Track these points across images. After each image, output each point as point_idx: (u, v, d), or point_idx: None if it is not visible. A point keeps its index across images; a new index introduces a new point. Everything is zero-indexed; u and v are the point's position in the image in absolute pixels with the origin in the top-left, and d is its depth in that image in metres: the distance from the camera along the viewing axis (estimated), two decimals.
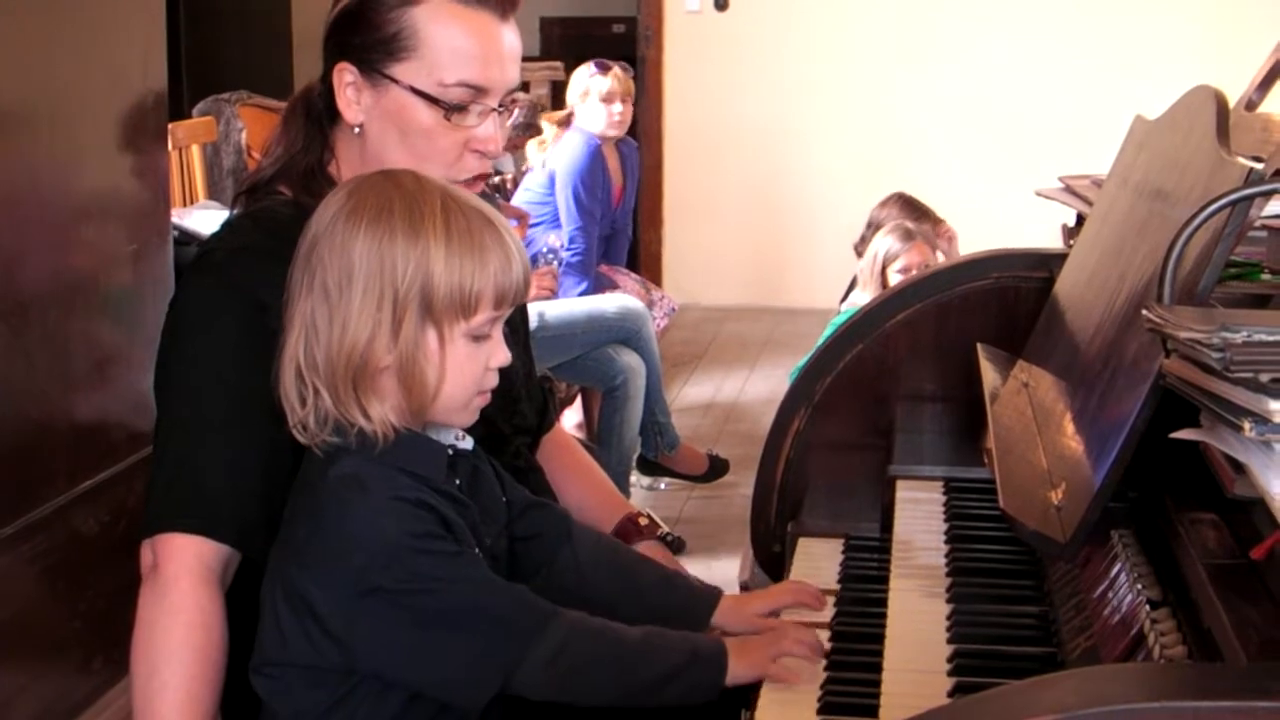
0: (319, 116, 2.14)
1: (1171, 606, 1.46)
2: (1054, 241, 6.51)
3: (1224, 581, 1.25)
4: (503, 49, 2.07)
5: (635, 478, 5.46)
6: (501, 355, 1.84)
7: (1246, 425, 1.08)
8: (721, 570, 4.30)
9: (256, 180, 2.16)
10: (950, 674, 1.74)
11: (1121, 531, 1.63)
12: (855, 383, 2.55)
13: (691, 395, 6.78)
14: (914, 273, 4.85)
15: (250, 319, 1.94)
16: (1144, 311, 1.35)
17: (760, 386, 6.96)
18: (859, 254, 5.42)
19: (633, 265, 6.22)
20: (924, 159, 8.12)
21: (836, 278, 6.07)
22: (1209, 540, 1.35)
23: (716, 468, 5.46)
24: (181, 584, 1.90)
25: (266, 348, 1.87)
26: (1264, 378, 1.07)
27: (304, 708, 1.83)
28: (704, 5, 8.40)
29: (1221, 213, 1.41)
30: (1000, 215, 7.35)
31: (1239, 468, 1.23)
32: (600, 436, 5.17)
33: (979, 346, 2.27)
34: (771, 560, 2.61)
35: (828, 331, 5.03)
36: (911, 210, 5.37)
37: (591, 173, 5.45)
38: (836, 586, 2.17)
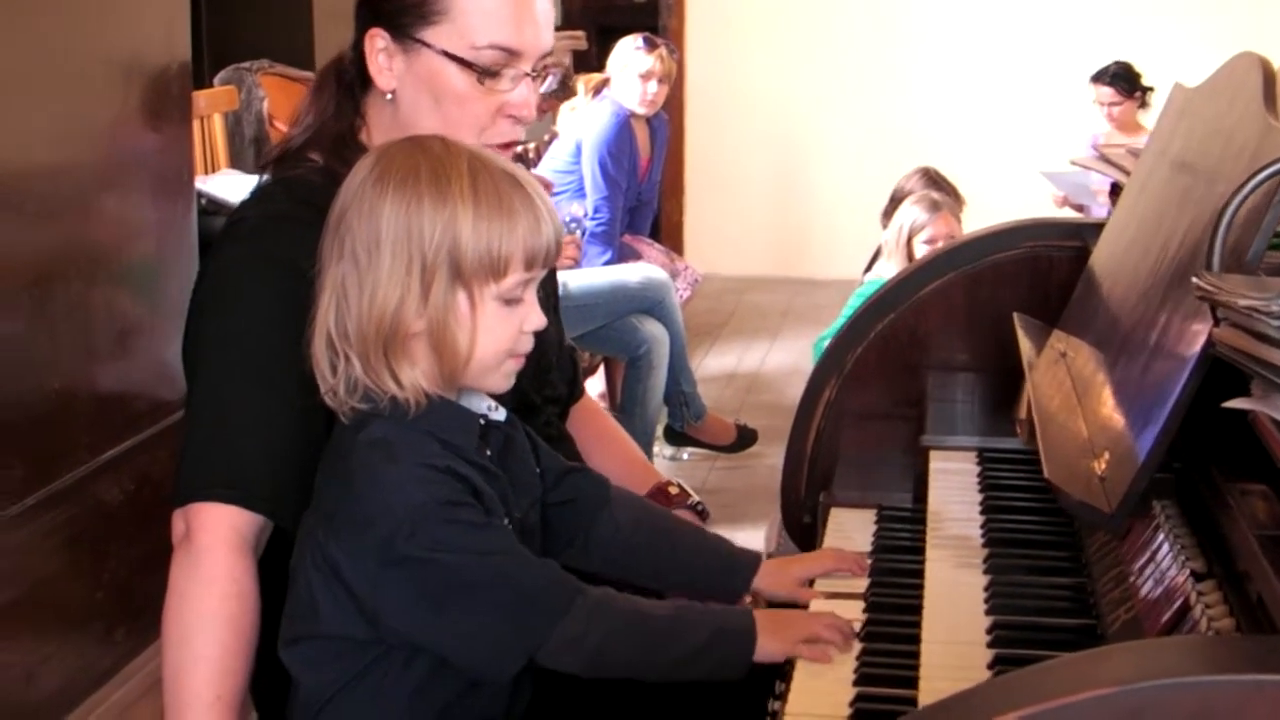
0: (351, 84, 2.12)
1: (1218, 579, 1.44)
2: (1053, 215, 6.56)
3: (1277, 553, 1.23)
4: (535, 11, 2.05)
5: (658, 448, 5.45)
6: (536, 318, 1.83)
7: None
8: (745, 541, 4.21)
9: (287, 147, 2.14)
10: (990, 645, 1.73)
11: (1164, 502, 1.60)
12: (886, 353, 2.53)
13: (714, 365, 6.76)
14: (940, 244, 4.84)
15: (283, 285, 1.92)
16: (1194, 280, 1.33)
17: (782, 357, 6.94)
18: (884, 225, 5.41)
19: (654, 235, 6.20)
20: (944, 130, 8.10)
21: (857, 249, 6.06)
22: (1259, 511, 1.33)
23: (745, 438, 5.45)
24: (216, 553, 1.89)
25: (299, 314, 1.85)
26: None
27: (331, 679, 1.83)
28: None
29: (1270, 180, 1.39)
30: (1014, 188, 7.33)
31: None
32: (623, 406, 5.16)
33: (1015, 316, 2.24)
34: (802, 530, 2.60)
35: (853, 302, 5.04)
36: (935, 184, 5.36)
37: (619, 143, 5.43)
38: (870, 557, 2.16)
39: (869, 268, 5.49)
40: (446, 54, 2.01)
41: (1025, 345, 2.10)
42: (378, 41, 2.05)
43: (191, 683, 1.86)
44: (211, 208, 4.30)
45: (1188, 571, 1.49)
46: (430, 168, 1.78)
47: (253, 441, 1.92)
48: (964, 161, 6.57)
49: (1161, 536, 1.60)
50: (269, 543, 1.96)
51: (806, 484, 2.59)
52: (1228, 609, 1.39)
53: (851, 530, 2.30)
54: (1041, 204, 6.56)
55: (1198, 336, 1.43)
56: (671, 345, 5.25)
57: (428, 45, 2.02)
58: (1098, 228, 2.42)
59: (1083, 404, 1.81)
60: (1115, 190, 2.47)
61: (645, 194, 5.77)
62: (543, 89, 2.13)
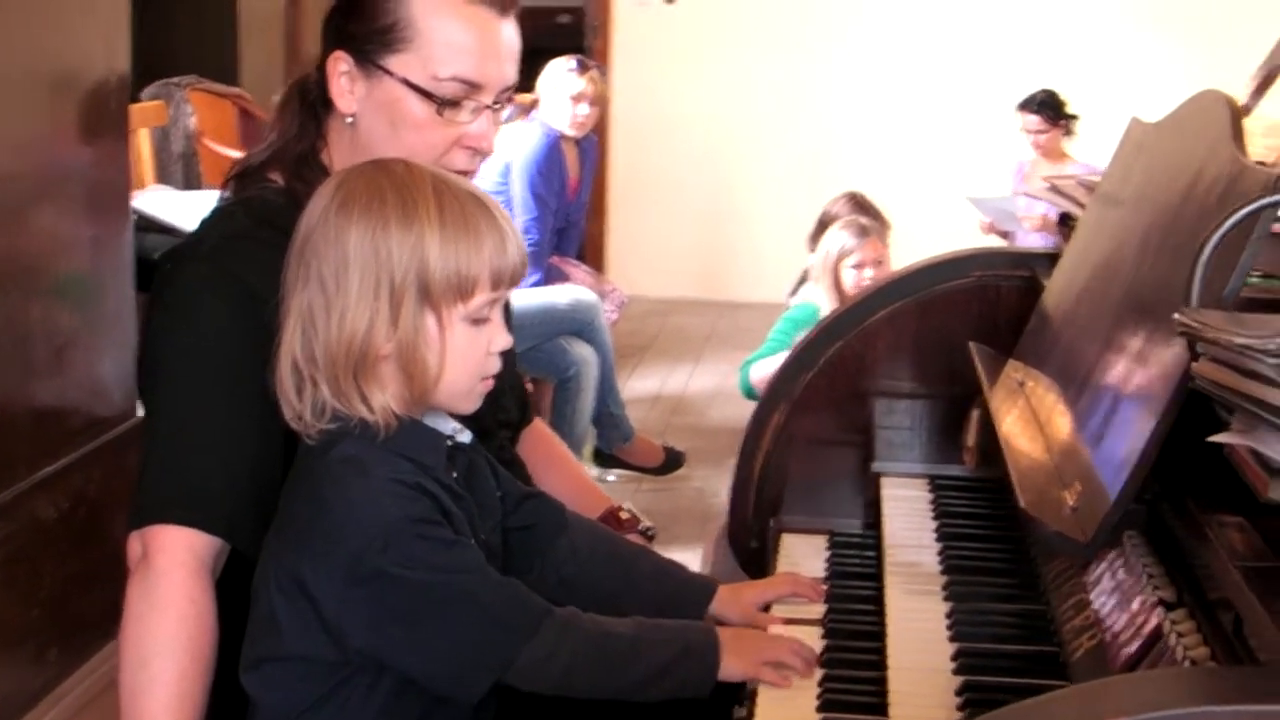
0: (314, 104, 2.12)
1: (1189, 608, 1.47)
2: (979, 242, 6.64)
3: (1260, 584, 1.26)
4: (500, 45, 2.05)
5: (586, 470, 5.44)
6: (502, 339, 1.84)
7: None
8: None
9: (247, 166, 2.14)
10: (955, 673, 1.75)
11: (1130, 533, 1.63)
12: (835, 379, 2.56)
13: (638, 387, 6.77)
14: (867, 268, 4.88)
15: (242, 306, 1.92)
16: (1176, 316, 1.35)
17: (706, 379, 6.96)
18: (811, 248, 5.45)
19: (578, 256, 6.21)
20: (870, 156, 8.16)
21: (781, 272, 6.09)
22: (1236, 543, 1.36)
23: (672, 460, 5.48)
24: (173, 576, 1.88)
25: (259, 336, 1.85)
26: None
27: (296, 701, 1.82)
28: None
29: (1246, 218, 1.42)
30: (939, 214, 7.42)
31: (1274, 472, 1.24)
32: (552, 428, 5.14)
33: (971, 345, 2.27)
34: (749, 555, 2.62)
35: (782, 325, 5.07)
36: (862, 209, 5.41)
37: (549, 164, 5.43)
38: (825, 583, 2.17)
39: (794, 291, 5.52)
40: (408, 83, 2.02)
41: (982, 374, 2.13)
42: (341, 65, 2.05)
43: (150, 706, 1.86)
44: (142, 223, 4.26)
45: (1156, 600, 1.52)
46: (395, 191, 1.79)
47: (211, 464, 1.92)
48: (890, 187, 6.63)
49: (1128, 566, 1.63)
50: (224, 567, 1.95)
51: (754, 509, 2.61)
52: (1201, 638, 1.41)
53: (803, 556, 2.32)
54: (967, 229, 6.62)
55: (1175, 370, 1.45)
56: (600, 367, 5.27)
57: (390, 73, 2.02)
58: (1047, 258, 2.46)
59: (1046, 434, 1.83)
60: (1063, 220, 2.51)
61: (574, 215, 5.78)
62: (504, 118, 2.14)
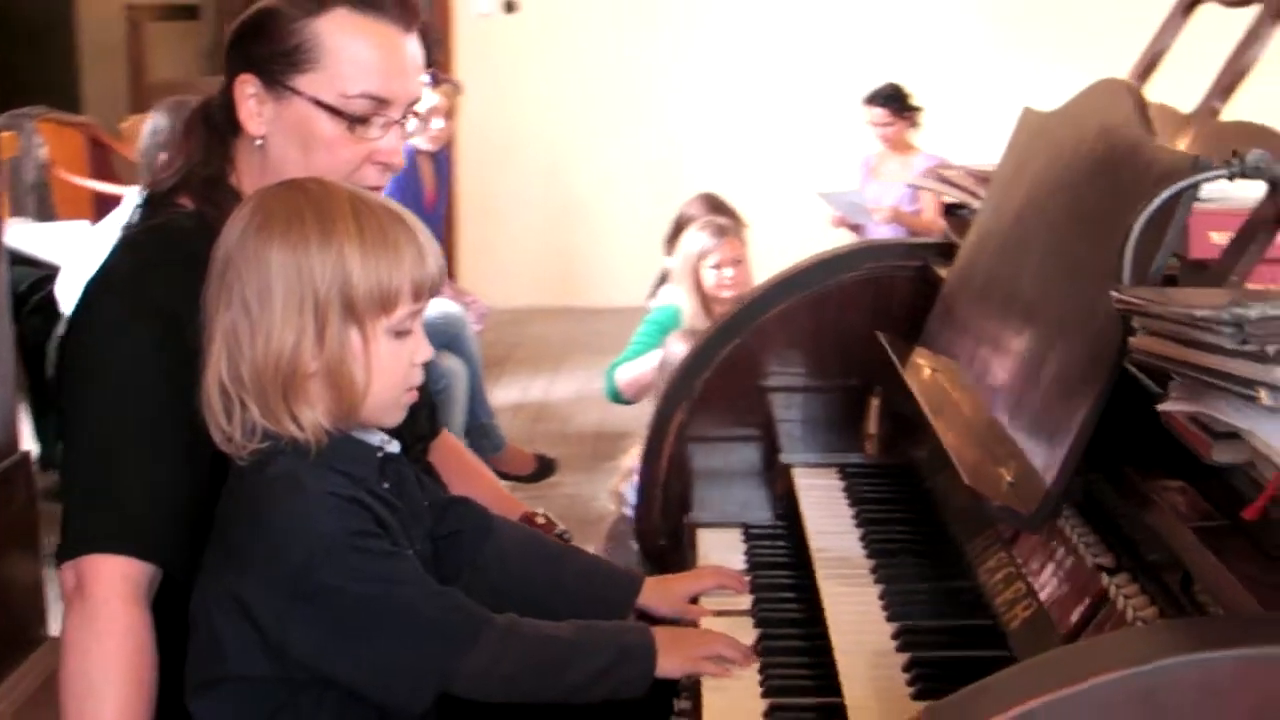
0: (220, 128, 2.12)
1: (1130, 572, 1.54)
2: (832, 237, 6.75)
3: (1214, 542, 1.32)
4: (406, 61, 2.07)
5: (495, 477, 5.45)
6: (425, 350, 1.87)
7: (1264, 394, 1.16)
8: None
9: (154, 192, 2.14)
10: (899, 650, 1.81)
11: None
12: (733, 377, 2.62)
13: (500, 397, 6.77)
14: (727, 268, 4.93)
15: (162, 333, 1.93)
16: (1113, 294, 1.42)
17: (567, 386, 7.00)
18: (667, 251, 5.50)
19: None
20: (718, 157, 8.25)
21: (635, 276, 6.14)
22: (1180, 505, 1.43)
23: (545, 467, 5.50)
24: (112, 605, 1.88)
25: (180, 362, 1.86)
26: (1270, 349, 1.15)
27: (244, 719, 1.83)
28: (493, 8, 8.40)
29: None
30: (790, 211, 7.52)
31: (1217, 436, 1.32)
32: None
33: (881, 335, 2.33)
34: (659, 553, 2.66)
35: (645, 329, 5.11)
36: (717, 209, 5.46)
37: (406, 179, 5.43)
38: (747, 574, 2.22)
39: (653, 294, 5.57)
40: (317, 102, 2.03)
41: (898, 362, 2.19)
42: (248, 87, 2.05)
43: None
44: None
45: (1095, 566, 1.59)
46: (314, 209, 1.81)
47: (140, 491, 1.92)
48: (740, 187, 6.70)
49: (1058, 537, 1.69)
50: (156, 598, 1.95)
51: (661, 508, 2.65)
52: (1148, 599, 1.48)
53: (721, 549, 2.36)
54: (819, 225, 6.73)
55: (1107, 346, 1.52)
56: (469, 378, 5.28)
57: (298, 93, 2.03)
58: (938, 247, 2.53)
59: (970, 416, 1.90)
60: (949, 210, 2.58)
61: (432, 229, 5.75)
62: (410, 130, 2.16)
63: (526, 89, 8.42)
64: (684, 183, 6.70)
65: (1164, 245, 1.49)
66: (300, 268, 1.78)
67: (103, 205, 5.62)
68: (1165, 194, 1.47)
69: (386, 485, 1.88)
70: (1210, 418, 1.31)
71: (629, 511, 4.20)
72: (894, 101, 6.50)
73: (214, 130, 2.12)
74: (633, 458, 4.22)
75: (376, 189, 2.09)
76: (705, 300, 4.97)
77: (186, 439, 1.88)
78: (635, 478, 4.09)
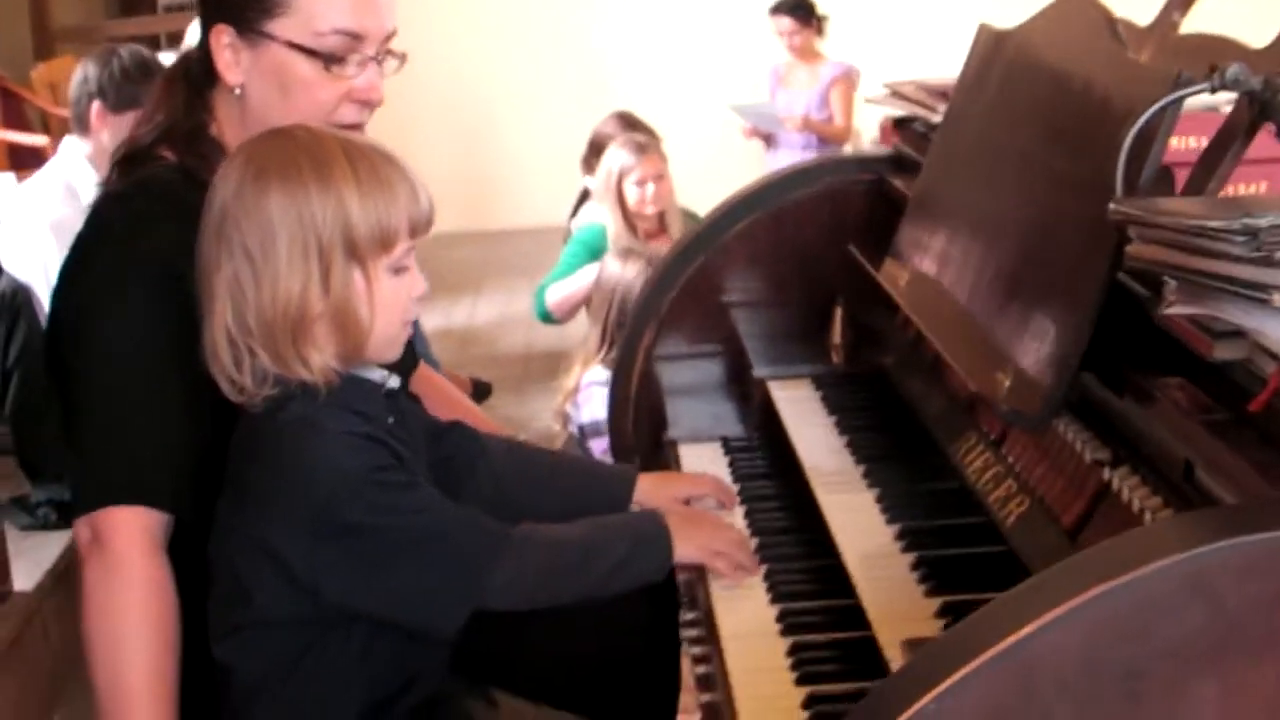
0: (197, 80, 2.14)
1: (1130, 464, 1.63)
2: (749, 152, 6.81)
3: (1221, 433, 1.42)
4: None
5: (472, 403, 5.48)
6: (420, 284, 1.91)
7: (1276, 297, 1.25)
8: None
9: (135, 147, 2.15)
10: (904, 550, 1.90)
11: None
12: (698, 295, 2.68)
13: (425, 324, 6.80)
14: (649, 184, 4.99)
15: (160, 285, 1.95)
16: (1111, 205, 1.51)
17: (489, 309, 7.04)
18: (585, 171, 5.54)
19: None
20: (628, 73, 8.28)
21: (549, 196, 6.19)
22: (1181, 401, 1.52)
23: (481, 390, 5.54)
24: (131, 556, 1.92)
25: (180, 312, 1.89)
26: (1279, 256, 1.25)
27: (274, 662, 1.88)
28: None
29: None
30: (706, 123, 7.57)
31: (1218, 335, 1.41)
32: None
33: (851, 248, 2.41)
34: None
35: (571, 249, 5.17)
36: (633, 127, 5.51)
37: None
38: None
39: (574, 213, 5.61)
40: (291, 44, 2.05)
41: (874, 273, 2.27)
42: (224, 37, 2.07)
43: (132, 683, 1.89)
44: None
45: (1093, 461, 1.68)
46: (308, 156, 1.84)
47: (151, 442, 1.95)
48: (651, 102, 6.75)
49: (1049, 435, 1.78)
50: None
51: (634, 426, 2.72)
52: (1150, 490, 1.57)
53: (704, 463, 2.46)
54: (732, 136, 6.79)
55: (1099, 254, 1.61)
56: None
57: (273, 37, 2.05)
58: (892, 160, 2.61)
59: (953, 322, 1.98)
60: (899, 124, 2.66)
61: None
62: (389, 73, 2.19)
63: (433, 15, 8.34)
64: (594, 100, 6.72)
65: (1150, 158, 1.58)
66: (301, 214, 1.81)
67: (17, 156, 5.57)
68: (1153, 109, 1.55)
69: (392, 420, 1.93)
70: (1212, 319, 1.40)
71: (574, 430, 4.28)
72: (800, 10, 6.56)
73: (192, 83, 2.14)
74: (574, 376, 4.30)
75: (356, 127, 2.11)
76: (629, 217, 5.03)
77: (190, 388, 1.91)
78: (579, 396, 4.21)
